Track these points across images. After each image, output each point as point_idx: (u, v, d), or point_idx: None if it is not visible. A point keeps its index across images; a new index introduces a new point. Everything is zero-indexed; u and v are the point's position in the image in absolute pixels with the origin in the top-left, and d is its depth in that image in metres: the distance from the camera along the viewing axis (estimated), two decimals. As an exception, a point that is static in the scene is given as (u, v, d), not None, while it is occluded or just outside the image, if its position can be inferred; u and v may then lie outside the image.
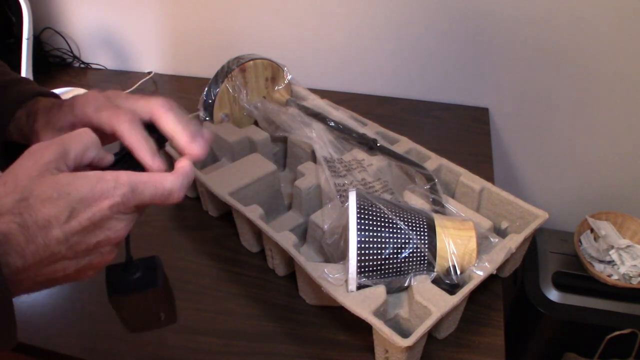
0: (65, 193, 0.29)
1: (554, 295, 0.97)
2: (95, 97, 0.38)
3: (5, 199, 0.28)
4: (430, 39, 0.98)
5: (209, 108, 0.77)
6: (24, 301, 0.62)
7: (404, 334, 0.47)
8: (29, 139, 0.41)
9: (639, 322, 0.93)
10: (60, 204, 0.29)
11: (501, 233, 0.65)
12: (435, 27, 0.97)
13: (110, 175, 0.31)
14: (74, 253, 0.30)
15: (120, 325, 0.57)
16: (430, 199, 0.64)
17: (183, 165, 0.36)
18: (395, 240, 0.52)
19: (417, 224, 0.54)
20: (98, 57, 1.21)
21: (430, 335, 0.56)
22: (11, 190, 0.29)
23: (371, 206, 0.54)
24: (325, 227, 0.60)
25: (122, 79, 1.15)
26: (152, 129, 0.37)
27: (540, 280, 1.00)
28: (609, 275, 0.94)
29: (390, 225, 0.53)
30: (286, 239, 0.57)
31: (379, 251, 0.52)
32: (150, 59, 1.18)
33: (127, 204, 0.31)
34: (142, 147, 0.36)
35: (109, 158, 0.35)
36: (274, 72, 0.81)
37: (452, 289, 0.53)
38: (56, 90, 1.05)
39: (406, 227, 0.53)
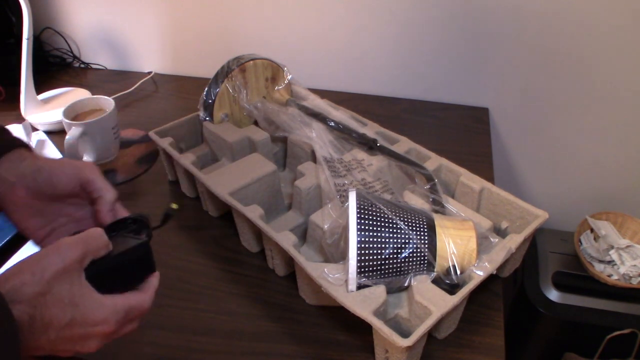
0: (74, 304, 0.33)
1: (554, 295, 0.97)
2: (88, 164, 0.46)
3: (29, 288, 0.32)
4: (430, 39, 0.98)
5: (209, 108, 0.77)
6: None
7: (404, 334, 0.47)
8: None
9: (639, 322, 0.93)
10: (66, 312, 0.33)
11: (501, 233, 0.65)
12: (435, 27, 0.97)
13: (110, 301, 0.36)
14: (50, 349, 0.34)
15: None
16: (430, 199, 0.64)
17: (152, 283, 0.41)
18: (395, 240, 0.52)
19: (417, 224, 0.54)
20: (98, 57, 1.21)
21: (430, 335, 0.56)
22: (36, 281, 0.32)
23: (371, 206, 0.54)
24: (325, 227, 0.60)
25: (122, 79, 1.15)
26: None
27: (540, 280, 1.00)
28: (609, 275, 0.94)
29: (390, 225, 0.53)
30: (286, 239, 0.57)
31: (379, 251, 0.52)
32: (150, 59, 1.18)
33: (118, 328, 0.37)
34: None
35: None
36: (274, 72, 0.81)
37: (452, 289, 0.53)
38: (56, 91, 1.05)
39: (406, 227, 0.53)
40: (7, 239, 0.70)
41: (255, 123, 0.80)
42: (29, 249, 0.70)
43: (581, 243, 1.01)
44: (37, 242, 0.45)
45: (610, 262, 0.96)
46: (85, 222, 0.47)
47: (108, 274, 0.37)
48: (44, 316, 0.32)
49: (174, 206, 0.50)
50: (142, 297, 0.39)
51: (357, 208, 0.53)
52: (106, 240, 0.38)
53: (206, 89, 0.76)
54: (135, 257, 0.40)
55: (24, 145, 0.45)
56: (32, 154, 0.45)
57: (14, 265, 0.33)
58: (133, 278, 0.40)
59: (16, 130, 0.90)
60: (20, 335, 0.31)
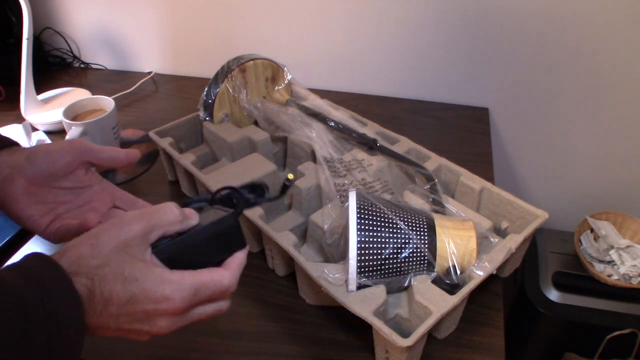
0: (134, 279, 0.31)
1: (554, 295, 0.97)
2: (80, 140, 0.45)
3: (87, 261, 0.31)
4: (430, 39, 0.98)
5: (209, 108, 0.77)
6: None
7: (404, 334, 0.47)
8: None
9: (639, 322, 0.93)
10: (126, 286, 0.31)
11: (501, 233, 0.65)
12: (436, 28, 0.97)
13: (176, 276, 0.33)
14: (117, 329, 0.33)
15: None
16: (430, 199, 0.64)
17: (237, 258, 0.38)
18: (395, 240, 0.52)
19: (417, 224, 0.54)
20: (98, 57, 1.21)
21: (430, 335, 0.56)
22: (95, 254, 0.31)
23: (371, 206, 0.54)
24: (325, 227, 0.60)
25: (122, 79, 1.15)
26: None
27: (540, 280, 1.00)
28: (609, 275, 0.94)
29: (390, 225, 0.53)
30: (286, 239, 0.57)
31: (379, 251, 0.52)
32: (150, 59, 1.18)
33: (186, 306, 0.33)
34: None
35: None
36: (274, 72, 0.81)
37: (452, 289, 0.53)
38: (56, 91, 1.05)
39: (406, 227, 0.53)
40: (8, 238, 0.70)
41: (255, 123, 0.80)
42: (30, 247, 0.70)
43: (581, 243, 1.01)
44: (42, 231, 0.43)
45: (610, 262, 0.96)
46: (87, 206, 0.45)
47: (182, 250, 0.34)
48: (104, 290, 0.31)
49: (291, 176, 0.43)
50: (219, 273, 0.35)
51: (357, 208, 0.53)
52: (177, 215, 0.35)
53: (206, 89, 0.76)
54: (217, 232, 0.36)
55: (15, 144, 0.45)
56: (24, 147, 0.45)
57: (74, 239, 0.32)
58: (215, 255, 0.36)
59: (16, 130, 0.90)
60: (83, 307, 0.30)
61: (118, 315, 0.32)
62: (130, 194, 0.47)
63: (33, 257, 0.31)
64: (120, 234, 0.32)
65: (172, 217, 0.35)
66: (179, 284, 0.33)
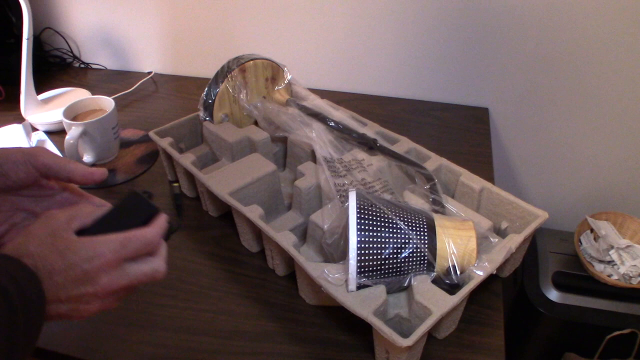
0: (67, 249, 0.36)
1: (554, 295, 0.97)
2: (39, 148, 0.44)
3: (25, 246, 0.36)
4: (430, 39, 0.98)
5: (209, 108, 0.77)
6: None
7: (404, 334, 0.47)
8: None
9: (639, 322, 0.93)
10: (62, 257, 0.36)
11: (501, 233, 0.65)
12: (436, 27, 0.97)
13: (101, 238, 0.38)
14: (67, 299, 0.36)
15: (120, 325, 0.57)
16: (430, 199, 0.64)
17: (158, 219, 0.41)
18: (395, 240, 0.52)
19: (417, 224, 0.54)
20: (98, 57, 1.21)
21: (430, 335, 0.56)
22: (30, 240, 0.36)
23: (371, 206, 0.54)
24: (325, 227, 0.60)
25: (122, 79, 1.15)
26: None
27: (540, 280, 1.00)
28: (609, 275, 0.94)
29: (390, 225, 0.53)
30: (286, 239, 0.57)
31: (379, 251, 0.52)
32: (150, 59, 1.18)
33: (117, 258, 0.37)
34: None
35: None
36: (274, 72, 0.81)
37: (452, 289, 0.53)
38: (56, 91, 1.05)
39: (406, 227, 0.53)
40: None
41: (255, 123, 0.80)
42: None
43: (581, 243, 1.01)
44: None
45: (610, 262, 0.96)
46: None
47: (100, 228, 0.39)
48: (46, 264, 0.35)
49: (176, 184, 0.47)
50: (142, 229, 0.39)
51: (357, 208, 0.53)
52: (92, 208, 0.41)
53: (206, 89, 0.76)
54: (126, 208, 0.41)
55: None
56: None
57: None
58: (132, 225, 0.40)
59: (16, 130, 0.90)
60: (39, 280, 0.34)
61: (64, 284, 0.36)
62: (99, 199, 0.46)
63: None
64: (48, 223, 0.38)
65: (89, 208, 0.40)
66: (105, 240, 0.37)
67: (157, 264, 0.40)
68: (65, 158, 0.43)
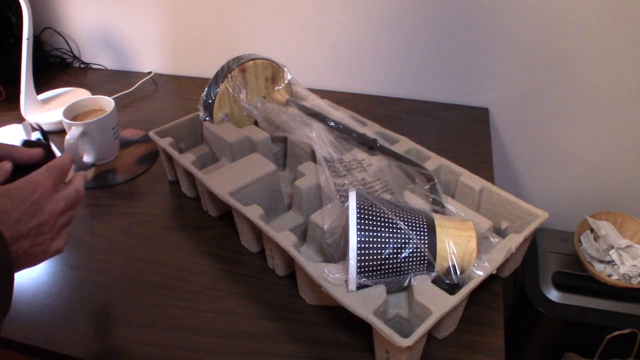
0: (9, 190, 0.42)
1: (554, 295, 0.97)
2: None
3: None
4: (430, 39, 0.99)
5: (209, 108, 0.77)
6: (24, 301, 0.62)
7: (404, 334, 0.47)
8: None
9: (639, 322, 0.93)
10: (8, 198, 0.41)
11: (501, 233, 0.65)
12: (436, 28, 0.97)
13: (33, 173, 0.44)
14: (28, 232, 0.42)
15: (120, 325, 0.57)
16: (430, 199, 0.64)
17: (64, 155, 0.48)
18: (395, 240, 0.52)
19: (417, 224, 0.54)
20: (98, 57, 1.21)
21: (430, 335, 0.56)
22: None
23: (371, 206, 0.54)
24: (325, 227, 0.60)
25: (122, 79, 1.15)
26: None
27: (540, 280, 1.00)
28: (609, 275, 0.94)
29: (390, 225, 0.53)
30: (286, 239, 0.57)
31: (379, 251, 0.52)
32: (150, 59, 1.18)
33: (52, 182, 0.45)
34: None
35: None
36: (274, 72, 0.81)
37: (452, 289, 0.53)
38: (56, 91, 1.05)
39: (406, 227, 0.53)
40: None
41: (255, 123, 0.80)
42: None
43: (581, 243, 1.01)
44: None
45: (610, 262, 0.96)
46: None
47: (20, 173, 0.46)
48: None
49: None
50: (54, 159, 0.47)
51: (357, 208, 0.53)
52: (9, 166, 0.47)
53: (206, 89, 0.76)
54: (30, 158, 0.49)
55: None
56: None
57: None
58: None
59: (16, 130, 0.90)
60: None
61: (20, 218, 0.41)
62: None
63: None
64: None
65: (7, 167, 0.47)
66: (36, 173, 0.44)
67: (76, 184, 0.48)
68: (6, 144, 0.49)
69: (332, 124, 0.73)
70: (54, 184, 0.45)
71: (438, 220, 0.56)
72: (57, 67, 1.20)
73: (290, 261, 0.60)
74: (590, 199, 1.09)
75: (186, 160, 0.71)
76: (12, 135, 0.89)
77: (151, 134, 0.77)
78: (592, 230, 1.01)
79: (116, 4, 1.12)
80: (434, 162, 0.71)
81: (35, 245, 0.43)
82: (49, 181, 0.44)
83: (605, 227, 1.00)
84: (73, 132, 0.77)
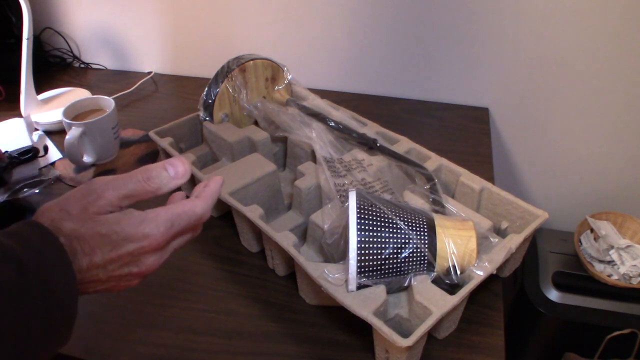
0: (113, 231, 0.33)
1: (554, 295, 0.97)
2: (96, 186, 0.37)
3: (61, 223, 0.33)
4: (430, 39, 0.98)
5: (209, 108, 0.77)
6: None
7: (404, 334, 0.47)
8: None
9: (639, 322, 0.93)
10: (105, 239, 0.33)
11: (501, 233, 0.65)
12: (436, 27, 0.97)
13: (151, 214, 0.35)
14: (107, 278, 0.35)
15: (120, 325, 0.57)
16: (430, 199, 0.64)
17: (210, 188, 0.40)
18: (395, 240, 0.52)
19: (417, 224, 0.54)
20: (98, 57, 1.21)
21: (430, 335, 0.56)
22: (66, 217, 0.33)
23: (371, 206, 0.54)
24: (325, 227, 0.60)
25: (122, 79, 1.15)
26: None
27: (540, 280, 1.00)
28: (609, 275, 0.94)
29: (390, 225, 0.53)
30: (286, 239, 0.57)
31: (379, 251, 0.52)
32: (150, 59, 1.18)
33: (166, 239, 0.36)
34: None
35: None
36: (274, 72, 0.81)
37: (452, 289, 0.53)
38: (56, 91, 1.05)
39: (406, 227, 0.53)
40: None
41: (255, 123, 0.80)
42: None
43: (581, 243, 1.01)
44: None
45: (610, 262, 0.96)
46: None
47: None
48: (84, 247, 0.33)
49: None
50: (191, 203, 0.38)
51: (357, 208, 0.53)
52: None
53: (206, 89, 0.76)
54: None
55: None
56: None
57: (43, 206, 0.34)
58: None
59: (17, 124, 0.90)
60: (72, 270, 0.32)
61: (105, 265, 0.34)
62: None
63: (23, 224, 0.33)
64: (87, 199, 0.34)
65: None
66: (156, 221, 0.35)
67: (197, 230, 0.40)
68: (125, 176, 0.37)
69: (332, 124, 0.73)
70: (170, 240, 0.36)
71: (438, 220, 0.56)
72: (57, 67, 1.20)
73: (290, 261, 0.60)
74: (590, 199, 1.09)
75: (186, 160, 0.71)
76: (12, 129, 0.89)
77: (151, 134, 0.77)
78: (592, 230, 1.01)
79: (116, 4, 1.12)
80: (434, 162, 0.71)
81: (111, 288, 0.36)
82: (166, 238, 0.35)
83: (605, 227, 1.00)
84: (73, 132, 0.77)
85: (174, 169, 0.39)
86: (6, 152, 0.80)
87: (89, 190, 0.35)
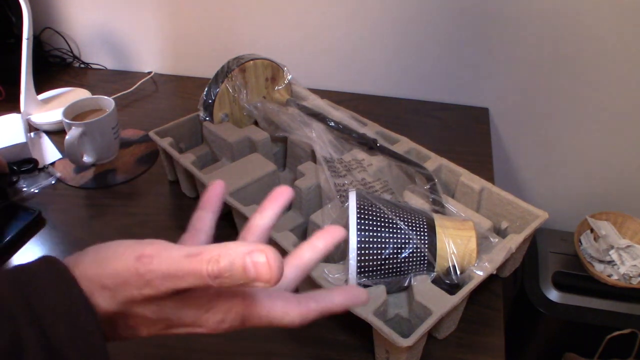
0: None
1: (554, 295, 0.97)
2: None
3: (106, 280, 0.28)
4: (430, 39, 0.98)
5: (209, 108, 0.77)
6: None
7: (404, 334, 0.47)
8: None
9: (639, 322, 0.93)
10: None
11: (501, 233, 0.65)
12: (436, 27, 0.97)
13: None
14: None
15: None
16: (430, 199, 0.64)
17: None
18: (395, 240, 0.52)
19: (417, 224, 0.54)
20: (98, 57, 1.21)
21: (430, 335, 0.56)
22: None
23: (371, 206, 0.54)
24: (325, 227, 0.60)
25: (122, 79, 1.15)
26: None
27: (540, 280, 1.00)
28: (609, 275, 0.94)
29: (390, 225, 0.53)
30: (286, 239, 0.57)
31: (379, 251, 0.52)
32: (150, 59, 1.18)
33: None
34: None
35: None
36: (274, 72, 0.81)
37: (452, 289, 0.53)
38: (56, 91, 1.05)
39: (406, 227, 0.53)
40: (8, 238, 0.70)
41: (255, 123, 0.80)
42: (30, 247, 0.70)
43: (581, 243, 1.01)
44: None
45: (610, 262, 0.96)
46: None
47: None
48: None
49: None
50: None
51: (357, 208, 0.53)
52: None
53: (206, 89, 0.76)
54: None
55: None
56: None
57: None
58: None
59: (14, 120, 0.90)
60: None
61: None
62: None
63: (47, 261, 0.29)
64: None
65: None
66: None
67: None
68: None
69: (332, 124, 0.73)
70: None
71: (438, 220, 0.56)
72: (57, 67, 1.20)
73: (290, 261, 0.60)
74: (590, 199, 1.09)
75: (186, 160, 0.71)
76: (9, 125, 0.89)
77: (151, 134, 0.77)
78: (592, 230, 1.01)
79: (116, 4, 1.12)
80: (434, 162, 0.71)
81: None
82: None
83: (605, 227, 1.00)
84: (73, 132, 0.77)
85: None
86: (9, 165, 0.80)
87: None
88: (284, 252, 0.57)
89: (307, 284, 0.59)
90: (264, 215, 0.35)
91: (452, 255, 0.53)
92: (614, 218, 1.01)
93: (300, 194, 0.66)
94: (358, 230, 0.51)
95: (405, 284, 0.54)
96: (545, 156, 1.06)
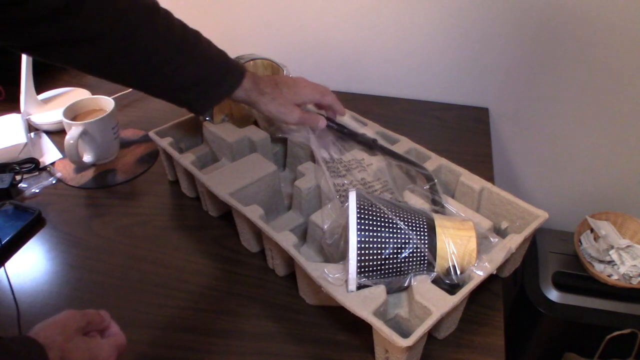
0: (88, 349, 0.43)
1: (554, 295, 0.97)
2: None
3: (55, 337, 0.41)
4: (430, 39, 0.98)
5: (209, 108, 0.77)
6: (25, 302, 0.62)
7: (404, 334, 0.47)
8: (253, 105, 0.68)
9: (639, 322, 0.93)
10: (85, 355, 0.42)
11: (501, 233, 0.65)
12: (436, 27, 0.97)
13: (106, 343, 0.45)
14: None
15: (120, 325, 0.57)
16: (430, 199, 0.64)
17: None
18: (395, 240, 0.52)
19: (417, 224, 0.54)
20: (98, 57, 1.21)
21: (430, 335, 0.56)
22: (60, 332, 0.42)
23: (371, 206, 0.54)
24: (325, 227, 0.60)
25: (122, 79, 1.15)
26: None
27: (540, 280, 1.00)
28: (609, 275, 0.94)
29: (390, 225, 0.53)
30: (286, 239, 0.57)
31: (379, 251, 0.52)
32: (150, 59, 1.18)
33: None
34: None
35: None
36: (274, 71, 0.81)
37: (452, 289, 0.53)
38: (56, 91, 1.05)
39: (406, 227, 0.53)
40: (8, 238, 0.70)
41: (255, 123, 0.80)
42: (31, 246, 0.70)
43: (581, 243, 1.01)
44: None
45: (610, 262, 0.96)
46: None
47: None
48: (70, 358, 0.41)
49: None
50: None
51: (357, 208, 0.53)
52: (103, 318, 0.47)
53: (206, 89, 0.76)
54: None
55: None
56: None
57: (41, 324, 0.43)
58: None
59: (14, 120, 0.90)
60: None
61: None
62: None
63: (18, 339, 0.40)
64: (75, 322, 0.44)
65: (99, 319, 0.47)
66: (108, 346, 0.45)
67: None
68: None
69: (332, 124, 0.73)
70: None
71: (438, 220, 0.56)
72: (57, 67, 1.20)
73: (290, 261, 0.60)
74: (590, 199, 1.09)
75: (186, 160, 0.71)
76: (10, 125, 0.89)
77: (151, 134, 0.77)
78: (592, 230, 1.01)
79: (116, 4, 1.12)
80: (434, 162, 0.71)
81: None
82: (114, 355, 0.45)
83: (605, 227, 1.00)
84: (73, 132, 0.77)
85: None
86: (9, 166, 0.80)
87: (72, 315, 0.45)
88: (283, 252, 0.58)
89: (308, 284, 0.59)
90: None
91: (452, 255, 0.53)
92: (614, 218, 1.01)
93: (300, 194, 0.66)
94: (358, 230, 0.51)
95: (405, 284, 0.54)
96: (545, 156, 1.06)
